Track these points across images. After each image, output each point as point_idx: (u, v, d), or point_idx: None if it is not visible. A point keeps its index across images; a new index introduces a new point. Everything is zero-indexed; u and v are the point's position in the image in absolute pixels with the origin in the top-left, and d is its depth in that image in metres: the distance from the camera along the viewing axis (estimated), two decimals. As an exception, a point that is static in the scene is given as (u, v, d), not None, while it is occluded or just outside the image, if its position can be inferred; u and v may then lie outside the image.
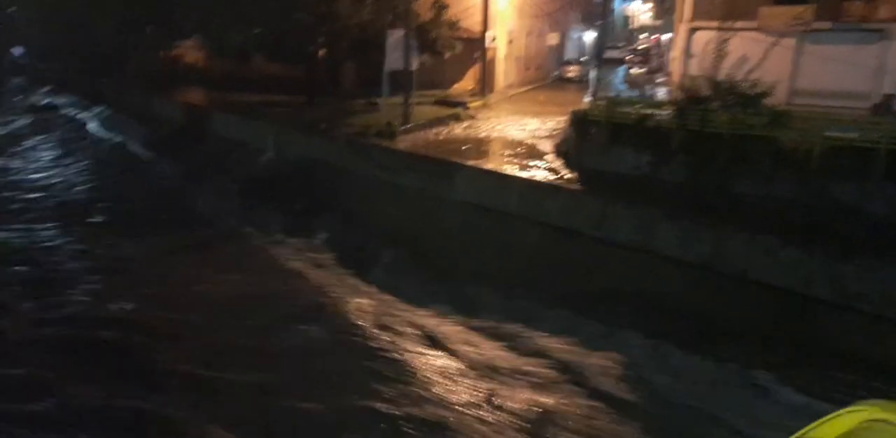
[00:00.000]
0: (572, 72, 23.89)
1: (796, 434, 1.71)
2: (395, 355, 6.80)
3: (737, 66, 9.68)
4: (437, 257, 8.96)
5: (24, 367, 6.55)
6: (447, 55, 17.41)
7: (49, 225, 11.28)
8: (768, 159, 8.01)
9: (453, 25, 16.56)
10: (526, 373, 6.54)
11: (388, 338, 7.12)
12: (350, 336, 7.22)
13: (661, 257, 7.63)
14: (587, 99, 13.35)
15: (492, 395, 6.18)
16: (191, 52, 24.61)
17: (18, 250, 10.03)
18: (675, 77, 13.80)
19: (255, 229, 10.47)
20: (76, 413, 5.87)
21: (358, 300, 8.14)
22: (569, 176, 9.44)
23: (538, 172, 9.82)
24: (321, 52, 17.70)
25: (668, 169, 8.78)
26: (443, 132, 13.32)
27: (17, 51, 26.93)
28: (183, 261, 9.47)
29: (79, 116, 19.15)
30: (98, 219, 11.71)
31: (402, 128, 13.05)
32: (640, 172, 8.99)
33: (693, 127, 8.71)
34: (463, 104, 16.24)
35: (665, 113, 9.53)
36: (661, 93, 15.36)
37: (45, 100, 21.61)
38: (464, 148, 11.79)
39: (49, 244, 10.41)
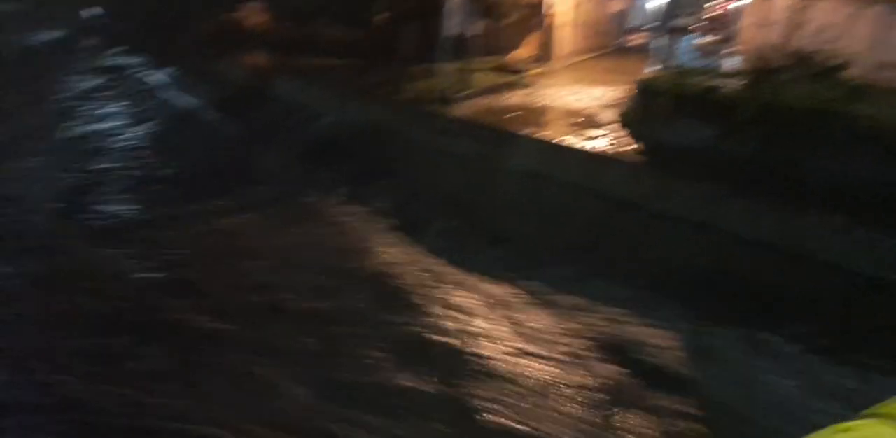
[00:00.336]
0: (637, 39, 23.09)
1: (869, 410, 1.71)
2: (442, 322, 6.90)
3: (814, 37, 9.19)
4: (492, 224, 9.04)
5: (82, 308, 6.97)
6: (507, 21, 17.08)
7: (114, 181, 11.79)
8: (844, 135, 7.66)
9: (515, -12, 16.22)
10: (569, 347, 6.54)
11: (434, 302, 7.25)
12: (395, 297, 7.37)
13: (722, 234, 7.48)
14: (652, 68, 12.94)
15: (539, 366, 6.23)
16: (254, 14, 24.88)
17: (84, 203, 10.53)
18: (747, 46, 13.21)
19: (314, 191, 10.74)
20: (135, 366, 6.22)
21: (409, 263, 8.29)
22: (630, 147, 9.26)
23: (598, 142, 9.67)
24: (383, 17, 17.65)
25: (736, 142, 8.50)
26: (500, 99, 13.18)
27: (93, 11, 27.66)
28: (242, 219, 9.81)
29: (147, 77, 19.73)
30: (163, 175, 12.16)
31: (459, 94, 12.97)
32: (705, 145, 8.74)
33: (764, 99, 8.37)
34: (522, 71, 15.97)
35: (735, 84, 9.18)
36: (731, 63, 14.78)
37: (118, 61, 22.28)
38: (522, 115, 11.67)
39: (114, 197, 10.90)
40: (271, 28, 22.95)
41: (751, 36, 13.83)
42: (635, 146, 9.30)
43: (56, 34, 27.42)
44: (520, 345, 6.54)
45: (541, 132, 10.41)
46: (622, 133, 10.04)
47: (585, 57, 20.22)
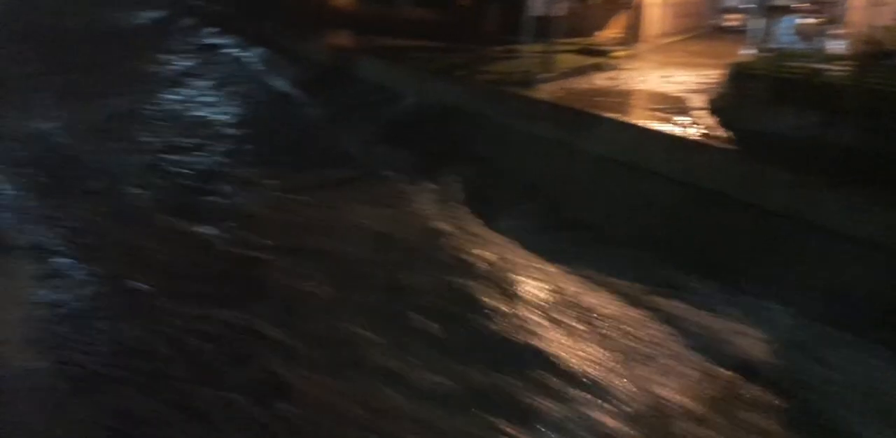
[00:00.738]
0: (732, 20, 21.91)
1: None
2: (517, 310, 6.80)
3: (935, 17, 8.43)
4: (570, 211, 8.89)
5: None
6: (593, 0, 16.59)
7: (203, 153, 12.34)
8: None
9: (605, -31, 15.68)
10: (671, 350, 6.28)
11: (508, 288, 7.20)
12: (469, 279, 7.36)
13: (819, 230, 7.05)
14: (748, 50, 12.24)
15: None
16: (341, -6, 25.28)
17: (173, 174, 11.06)
18: (855, 28, 12.27)
19: (392, 170, 10.89)
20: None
21: (482, 246, 8.24)
22: (721, 134, 8.85)
23: (686, 129, 9.29)
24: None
25: (838, 131, 7.96)
26: (584, 82, 12.87)
27: None
28: (322, 195, 10.09)
29: (239, 56, 20.46)
30: (248, 150, 12.65)
31: (542, 76, 12.76)
32: (803, 134, 8.23)
33: (873, 85, 7.77)
34: (608, 53, 15.51)
35: (840, 69, 8.56)
36: (836, 46, 13.79)
37: (211, 40, 23.21)
38: (605, 99, 11.36)
39: (203, 168, 11.44)
40: (356, 9, 23.29)
41: (859, 16, 12.84)
42: (726, 134, 8.87)
43: (157, 14, 28.85)
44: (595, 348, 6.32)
45: (625, 116, 10.10)
46: (712, 120, 9.60)
47: (675, 38, 19.39)
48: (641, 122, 9.77)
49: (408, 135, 12.31)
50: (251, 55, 20.37)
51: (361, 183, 10.62)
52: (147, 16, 28.82)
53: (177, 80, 18.40)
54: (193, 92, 17.29)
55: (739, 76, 9.48)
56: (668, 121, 9.78)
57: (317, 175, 10.88)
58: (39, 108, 14.24)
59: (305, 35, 19.14)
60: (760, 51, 11.46)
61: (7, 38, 21.74)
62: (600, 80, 13.08)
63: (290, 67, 18.05)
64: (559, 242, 8.38)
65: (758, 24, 17.18)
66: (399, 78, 14.55)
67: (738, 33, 19.80)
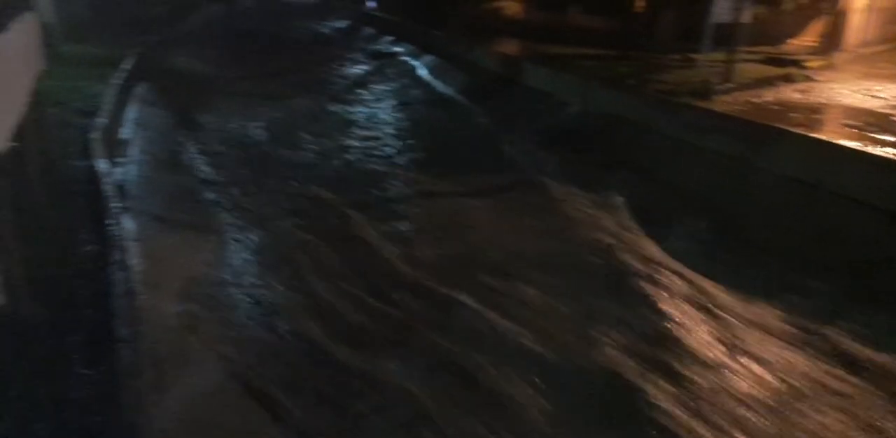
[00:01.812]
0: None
1: None
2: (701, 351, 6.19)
3: None
4: (746, 233, 8.15)
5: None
6: (785, 6, 15.24)
7: (375, 154, 13.00)
8: None
9: (803, -29, 14.35)
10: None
11: (690, 321, 6.62)
12: (647, 310, 6.83)
13: None
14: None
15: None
16: (511, 4, 25.67)
17: (350, 172, 11.74)
18: None
19: (554, 179, 10.72)
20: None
21: (654, 268, 7.63)
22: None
23: (888, 149, 8.21)
24: (639, 4, 16.93)
25: None
26: (770, 94, 11.85)
27: (370, 4, 31.26)
28: (485, 202, 10.15)
29: (411, 63, 21.44)
30: (416, 152, 13.16)
31: (721, 87, 11.95)
32: None
33: None
34: (799, 63, 14.17)
35: None
36: None
37: (387, 48, 24.61)
38: (793, 113, 10.36)
39: (375, 168, 12.03)
40: (526, 18, 23.46)
41: None
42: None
43: (340, 24, 31.24)
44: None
45: (814, 133, 9.14)
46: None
47: (881, 48, 17.24)
48: (834, 139, 8.79)
49: (570, 143, 12.10)
50: (422, 62, 21.26)
51: (519, 189, 10.56)
52: (331, 25, 31.26)
53: (354, 85, 19.71)
54: (368, 96, 18.42)
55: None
56: (868, 139, 8.71)
57: (480, 179, 10.99)
58: (238, 109, 15.87)
59: (475, 43, 19.59)
60: None
61: (210, 45, 24.52)
62: (790, 93, 11.97)
63: (459, 74, 18.56)
64: (732, 265, 7.73)
65: None
66: (566, 86, 14.37)
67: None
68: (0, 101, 4.94)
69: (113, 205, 7.34)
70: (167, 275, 6.70)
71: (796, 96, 11.74)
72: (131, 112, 12.21)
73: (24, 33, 7.13)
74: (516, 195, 10.28)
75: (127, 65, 14.16)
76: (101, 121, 9.66)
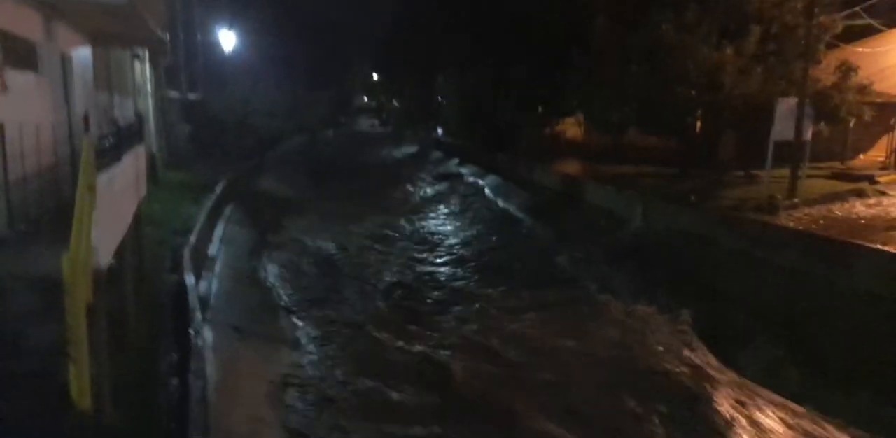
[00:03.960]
0: None
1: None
2: None
3: None
4: (827, 356, 7.66)
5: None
6: (850, 122, 15.42)
7: (440, 269, 13.34)
8: None
9: (863, 89, 14.68)
10: None
11: None
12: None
13: None
14: None
15: None
16: (571, 127, 27.10)
17: (415, 284, 12.05)
18: None
19: (614, 296, 10.62)
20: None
21: (731, 396, 7.21)
22: None
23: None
24: (698, 124, 17.50)
25: None
26: (840, 209, 11.72)
27: (438, 130, 34.13)
28: (545, 317, 10.05)
29: (477, 182, 22.55)
30: (479, 267, 13.43)
31: (788, 202, 11.93)
32: None
33: None
34: (870, 178, 14.06)
35: None
36: None
37: (454, 170, 26.14)
38: (867, 227, 10.15)
39: (438, 281, 12.29)
40: (586, 139, 24.57)
41: None
42: None
43: (412, 149, 33.67)
44: None
45: (893, 248, 8.87)
46: None
47: (958, 161, 16.90)
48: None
49: (631, 260, 12.08)
50: (486, 182, 22.32)
51: (578, 305, 10.45)
52: (404, 151, 33.77)
53: (423, 203, 20.78)
54: (436, 213, 19.33)
55: None
56: (950, 254, 8.37)
57: (540, 295, 11.02)
58: (316, 228, 16.88)
59: (536, 163, 20.53)
60: None
61: (294, 170, 26.64)
62: (861, 207, 11.81)
63: (522, 193, 19.32)
64: (815, 392, 7.24)
65: None
66: (624, 203, 14.66)
67: None
68: (109, 223, 5.58)
69: (195, 316, 7.81)
70: (239, 383, 6.91)
71: (869, 211, 11.55)
72: (220, 231, 13.19)
73: (134, 162, 8.11)
74: (573, 309, 10.13)
75: (218, 189, 15.56)
76: (192, 239, 10.50)
